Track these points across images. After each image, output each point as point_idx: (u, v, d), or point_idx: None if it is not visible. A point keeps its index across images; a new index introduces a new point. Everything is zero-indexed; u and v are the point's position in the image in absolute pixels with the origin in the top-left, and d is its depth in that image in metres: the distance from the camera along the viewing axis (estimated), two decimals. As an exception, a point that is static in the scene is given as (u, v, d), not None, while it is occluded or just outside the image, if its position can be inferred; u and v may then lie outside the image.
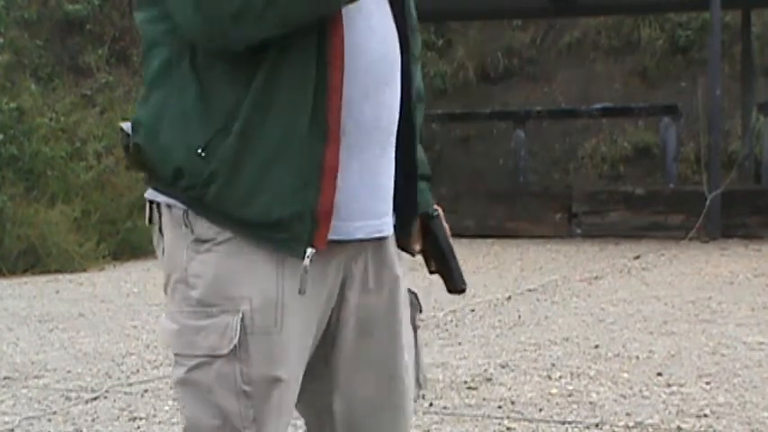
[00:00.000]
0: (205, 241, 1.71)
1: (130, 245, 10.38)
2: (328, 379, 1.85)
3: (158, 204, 1.76)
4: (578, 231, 11.44)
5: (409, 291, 1.94)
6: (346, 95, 1.71)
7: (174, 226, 1.74)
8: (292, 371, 1.75)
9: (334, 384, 1.85)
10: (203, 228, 1.71)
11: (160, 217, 1.76)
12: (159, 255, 1.80)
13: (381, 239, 1.84)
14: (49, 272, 9.35)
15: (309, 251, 1.70)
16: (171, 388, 1.83)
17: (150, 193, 1.77)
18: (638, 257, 9.43)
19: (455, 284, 2.00)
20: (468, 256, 9.92)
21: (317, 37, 1.67)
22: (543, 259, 9.56)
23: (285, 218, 1.68)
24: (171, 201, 1.73)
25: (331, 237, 1.73)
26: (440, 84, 15.55)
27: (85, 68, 15.32)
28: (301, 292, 1.71)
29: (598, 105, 13.42)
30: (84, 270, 9.53)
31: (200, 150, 1.67)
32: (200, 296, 1.71)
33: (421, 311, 1.98)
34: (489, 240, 11.26)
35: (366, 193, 1.78)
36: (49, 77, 14.42)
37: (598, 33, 15.65)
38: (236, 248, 1.71)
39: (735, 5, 13.05)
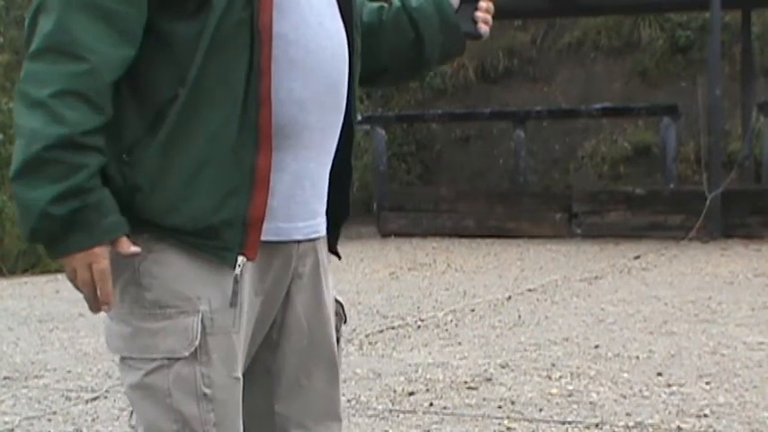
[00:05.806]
0: (160, 239, 1.65)
1: (130, 245, 10.34)
2: (269, 384, 1.82)
3: None
4: (578, 231, 11.44)
5: (336, 300, 1.91)
6: (298, 96, 1.69)
7: None
8: (241, 371, 1.73)
9: (276, 389, 1.82)
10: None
11: None
12: None
13: (321, 240, 1.83)
14: (49, 272, 9.34)
15: (241, 260, 1.65)
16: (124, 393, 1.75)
17: None
18: (638, 257, 9.43)
19: (465, 27, 1.99)
20: (468, 256, 9.93)
21: (249, 49, 1.63)
22: (543, 259, 9.56)
23: (215, 225, 1.63)
24: None
25: (271, 238, 1.70)
26: (440, 84, 15.55)
27: (85, 68, 15.33)
28: (232, 304, 1.66)
29: (598, 105, 13.42)
30: (85, 270, 9.52)
31: (124, 155, 1.62)
32: (156, 297, 1.65)
33: (345, 322, 1.94)
34: (489, 240, 11.27)
35: (306, 194, 1.75)
36: (49, 77, 14.41)
37: (598, 33, 15.65)
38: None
39: (735, 5, 13.04)
